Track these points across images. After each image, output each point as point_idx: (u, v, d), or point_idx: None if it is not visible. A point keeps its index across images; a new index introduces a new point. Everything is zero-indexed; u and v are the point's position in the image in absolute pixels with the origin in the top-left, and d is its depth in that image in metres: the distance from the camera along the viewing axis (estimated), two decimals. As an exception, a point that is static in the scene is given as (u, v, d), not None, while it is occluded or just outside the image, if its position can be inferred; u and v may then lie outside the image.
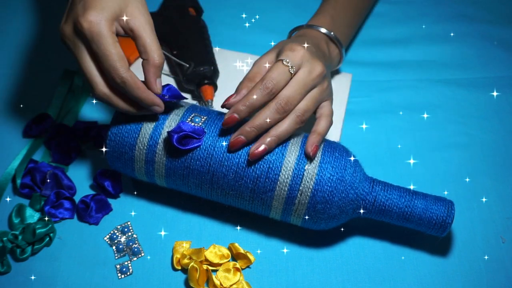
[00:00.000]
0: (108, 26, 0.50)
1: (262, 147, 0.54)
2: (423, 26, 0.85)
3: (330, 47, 0.66)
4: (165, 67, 0.78)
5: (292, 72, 0.55)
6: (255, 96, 0.53)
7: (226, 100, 0.55)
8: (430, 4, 0.89)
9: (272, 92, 0.54)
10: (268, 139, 0.54)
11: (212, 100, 0.71)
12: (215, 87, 0.73)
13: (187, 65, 0.72)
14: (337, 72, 0.76)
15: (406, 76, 0.79)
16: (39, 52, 0.80)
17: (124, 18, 0.52)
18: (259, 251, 0.60)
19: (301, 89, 0.55)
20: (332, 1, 0.73)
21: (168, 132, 0.55)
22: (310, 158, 0.54)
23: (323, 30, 0.66)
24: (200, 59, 0.73)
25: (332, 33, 0.66)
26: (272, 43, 0.81)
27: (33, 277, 0.58)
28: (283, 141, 0.55)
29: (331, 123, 0.57)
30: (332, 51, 0.67)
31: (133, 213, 0.63)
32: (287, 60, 0.55)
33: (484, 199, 0.65)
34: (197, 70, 0.71)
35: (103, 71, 0.51)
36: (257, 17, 0.86)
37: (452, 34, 0.84)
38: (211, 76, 0.72)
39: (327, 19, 0.69)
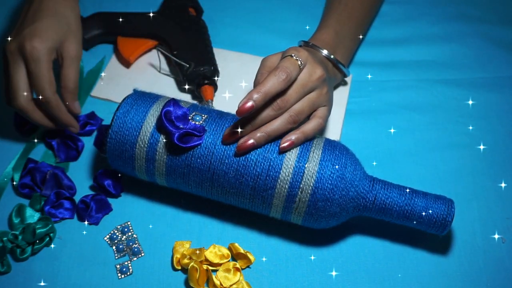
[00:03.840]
0: (48, 54, 0.61)
1: (250, 141, 0.54)
2: (423, 26, 0.85)
3: (333, 66, 0.68)
4: (165, 67, 0.78)
5: (301, 66, 0.55)
6: (269, 84, 0.52)
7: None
8: (430, 4, 0.89)
9: (287, 80, 0.53)
10: (258, 135, 0.54)
11: (212, 100, 0.71)
12: (215, 87, 0.73)
13: (187, 65, 0.72)
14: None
15: (406, 76, 0.79)
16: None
17: (61, 49, 0.64)
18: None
19: (300, 88, 0.55)
20: (336, 13, 0.73)
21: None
22: (279, 151, 0.55)
23: (325, 52, 0.66)
24: (200, 59, 0.73)
25: (332, 56, 0.67)
26: (272, 43, 0.82)
27: (33, 277, 0.58)
28: (273, 139, 0.55)
29: (320, 125, 0.57)
30: (335, 69, 0.69)
31: (133, 213, 0.63)
32: (296, 56, 0.55)
33: (484, 199, 0.65)
34: (197, 70, 0.71)
35: (34, 89, 0.62)
36: (257, 17, 0.86)
37: (452, 34, 0.84)
38: (211, 76, 0.72)
39: (331, 35, 0.70)
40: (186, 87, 0.73)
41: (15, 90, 0.62)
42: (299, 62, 0.55)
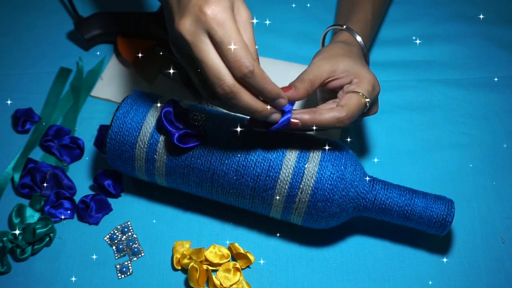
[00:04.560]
0: (231, 13, 0.47)
1: (296, 121, 0.52)
2: (423, 26, 0.85)
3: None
4: (165, 67, 0.78)
5: (365, 110, 0.55)
6: (326, 117, 0.52)
7: (284, 89, 0.53)
8: (430, 4, 0.89)
9: (343, 125, 0.54)
10: (306, 117, 0.52)
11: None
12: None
13: None
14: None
15: (406, 76, 0.79)
16: (34, 51, 0.80)
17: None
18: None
19: (358, 114, 0.55)
20: (367, 3, 0.72)
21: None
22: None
23: (359, 39, 0.64)
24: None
25: (365, 45, 0.65)
26: (272, 44, 0.82)
27: (33, 277, 0.58)
28: (313, 127, 0.54)
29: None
30: None
31: (133, 213, 0.63)
32: (368, 102, 0.55)
33: (484, 199, 0.65)
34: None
35: (227, 61, 0.47)
36: (257, 17, 0.86)
37: (452, 34, 0.84)
38: None
39: (366, 25, 0.68)
40: (186, 87, 0.73)
41: (216, 72, 0.47)
42: (366, 105, 0.55)
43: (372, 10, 0.72)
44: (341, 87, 0.57)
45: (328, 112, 0.53)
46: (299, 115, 0.52)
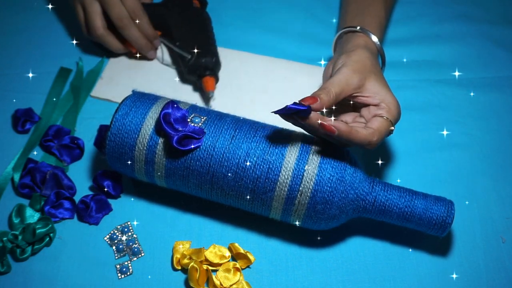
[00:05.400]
0: None
1: (332, 128, 0.51)
2: (423, 26, 0.85)
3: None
4: (168, 58, 0.79)
5: (390, 134, 0.57)
6: (361, 136, 0.52)
7: (308, 100, 0.52)
8: (430, 4, 0.89)
9: (373, 145, 0.54)
10: (342, 127, 0.51)
11: (213, 91, 0.71)
12: (216, 79, 0.73)
13: (189, 56, 0.72)
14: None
15: (406, 76, 0.79)
16: (34, 51, 0.80)
17: None
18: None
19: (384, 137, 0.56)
20: (380, 8, 0.72)
21: (168, 133, 0.55)
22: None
23: (375, 39, 0.64)
24: (202, 50, 0.73)
25: (379, 44, 0.64)
26: (273, 43, 0.82)
27: (33, 277, 0.58)
28: (342, 139, 0.53)
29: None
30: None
31: (133, 213, 0.63)
32: (392, 130, 0.56)
33: (484, 199, 0.65)
34: (199, 61, 0.71)
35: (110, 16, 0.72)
36: (257, 16, 0.86)
37: (452, 34, 0.84)
38: (213, 67, 0.72)
39: (380, 29, 0.68)
40: (188, 78, 0.73)
41: (92, 19, 0.73)
42: (391, 133, 0.56)
43: (384, 15, 0.71)
44: (366, 105, 0.57)
45: (363, 132, 0.53)
46: (337, 124, 0.51)
